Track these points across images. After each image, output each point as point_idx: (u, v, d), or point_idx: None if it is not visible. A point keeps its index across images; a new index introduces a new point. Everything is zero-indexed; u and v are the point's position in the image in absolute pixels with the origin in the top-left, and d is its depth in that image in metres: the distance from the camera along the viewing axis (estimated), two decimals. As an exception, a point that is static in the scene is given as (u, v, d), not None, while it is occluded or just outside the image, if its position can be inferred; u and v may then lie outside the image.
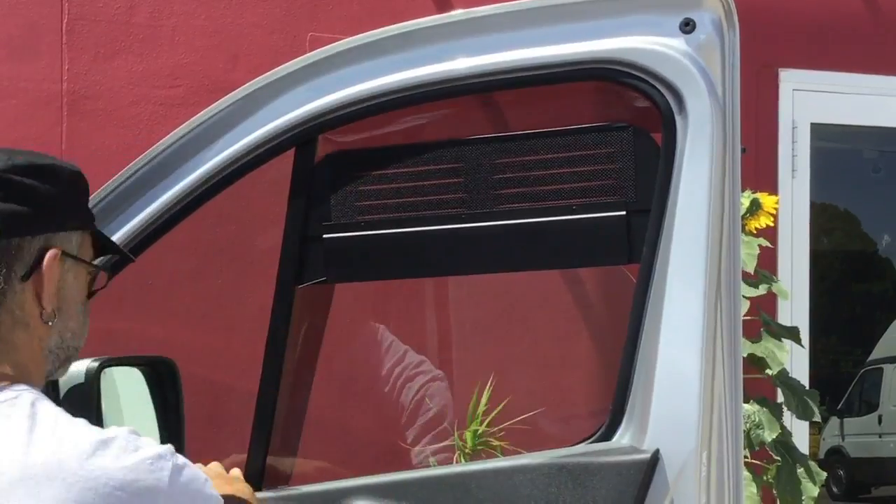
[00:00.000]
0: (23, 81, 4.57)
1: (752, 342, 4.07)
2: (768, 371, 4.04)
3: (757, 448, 4.00)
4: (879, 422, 15.69)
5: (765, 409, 3.99)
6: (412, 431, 3.24)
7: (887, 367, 15.57)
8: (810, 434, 6.13)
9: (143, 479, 1.81)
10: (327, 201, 2.43)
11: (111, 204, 2.45)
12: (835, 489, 15.35)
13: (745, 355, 3.97)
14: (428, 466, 3.21)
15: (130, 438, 1.84)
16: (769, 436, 3.94)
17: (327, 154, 2.45)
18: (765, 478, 4.06)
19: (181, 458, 1.88)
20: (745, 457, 3.98)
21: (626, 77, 2.29)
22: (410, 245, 2.40)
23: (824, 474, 4.10)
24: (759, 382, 4.12)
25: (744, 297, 3.92)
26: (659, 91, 2.28)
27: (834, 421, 16.16)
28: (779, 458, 4.02)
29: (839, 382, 15.92)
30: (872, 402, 15.94)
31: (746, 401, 3.97)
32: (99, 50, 4.63)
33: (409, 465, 3.27)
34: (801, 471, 4.03)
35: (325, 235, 2.42)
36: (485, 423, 3.21)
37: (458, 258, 2.42)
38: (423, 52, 2.36)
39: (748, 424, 3.94)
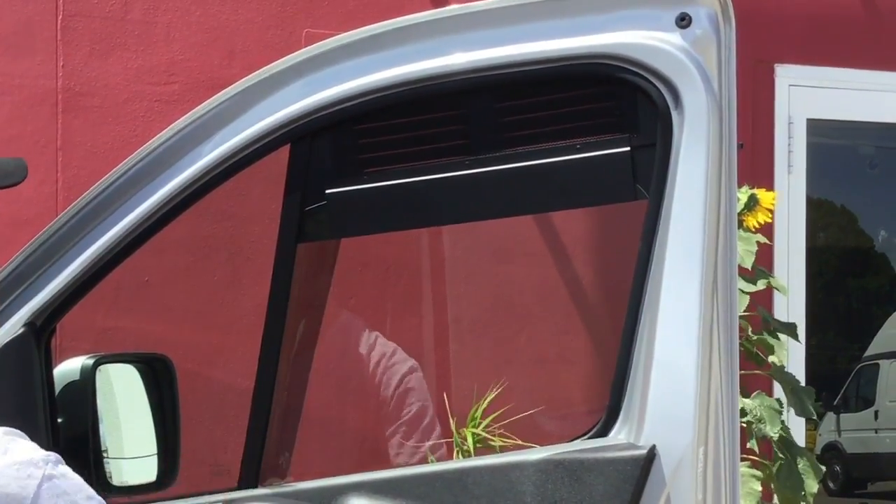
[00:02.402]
0: (17, 78, 4.56)
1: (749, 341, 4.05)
2: (773, 360, 4.02)
3: (755, 440, 3.99)
4: (876, 417, 15.68)
5: (766, 404, 3.97)
6: (402, 427, 3.24)
7: (883, 363, 15.55)
8: (807, 430, 6.12)
9: (6, 485, 1.67)
10: (329, 158, 2.42)
11: (107, 200, 2.44)
12: (831, 485, 15.33)
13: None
14: (425, 461, 3.21)
15: (3, 440, 1.71)
16: (772, 430, 3.93)
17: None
18: (764, 473, 4.04)
19: (61, 469, 1.72)
20: (753, 451, 3.97)
21: (622, 72, 2.29)
22: (417, 195, 2.40)
23: (823, 468, 4.09)
24: (757, 378, 4.12)
25: (743, 292, 3.91)
26: (655, 86, 2.27)
27: (830, 417, 16.15)
28: (782, 456, 4.00)
29: (835, 378, 15.90)
30: (868, 398, 15.92)
31: (747, 396, 3.96)
32: (94, 47, 4.62)
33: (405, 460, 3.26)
34: (801, 466, 4.01)
35: (328, 191, 2.42)
36: (485, 422, 3.21)
37: (464, 205, 2.41)
38: (418, 47, 2.36)
39: (750, 419, 3.92)
